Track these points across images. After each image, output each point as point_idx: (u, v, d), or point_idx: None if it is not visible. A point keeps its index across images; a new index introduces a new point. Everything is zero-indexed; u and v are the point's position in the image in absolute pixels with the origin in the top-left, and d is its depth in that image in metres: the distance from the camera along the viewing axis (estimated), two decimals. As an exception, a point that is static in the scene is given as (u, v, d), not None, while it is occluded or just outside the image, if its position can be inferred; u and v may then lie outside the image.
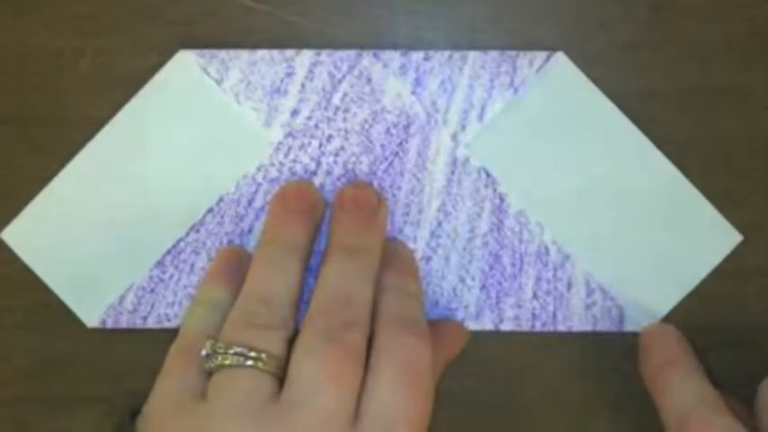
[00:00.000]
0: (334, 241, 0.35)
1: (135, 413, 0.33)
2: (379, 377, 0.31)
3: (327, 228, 0.37)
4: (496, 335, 0.39)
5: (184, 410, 0.31)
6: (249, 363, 0.31)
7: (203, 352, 0.33)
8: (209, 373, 0.32)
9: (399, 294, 0.35)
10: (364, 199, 0.37)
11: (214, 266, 0.37)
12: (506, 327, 0.39)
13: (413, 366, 0.32)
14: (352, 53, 0.39)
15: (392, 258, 0.37)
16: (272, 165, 0.39)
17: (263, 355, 0.32)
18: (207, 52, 0.38)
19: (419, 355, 0.32)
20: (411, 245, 0.39)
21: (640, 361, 0.36)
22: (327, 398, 0.30)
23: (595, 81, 0.38)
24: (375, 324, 0.33)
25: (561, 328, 0.38)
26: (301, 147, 0.39)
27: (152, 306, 0.39)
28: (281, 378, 0.32)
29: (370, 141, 0.39)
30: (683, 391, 0.33)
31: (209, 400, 0.31)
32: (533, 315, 0.39)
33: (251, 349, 0.32)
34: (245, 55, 0.38)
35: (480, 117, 0.39)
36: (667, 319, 0.38)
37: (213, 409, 0.31)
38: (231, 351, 0.32)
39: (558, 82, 0.39)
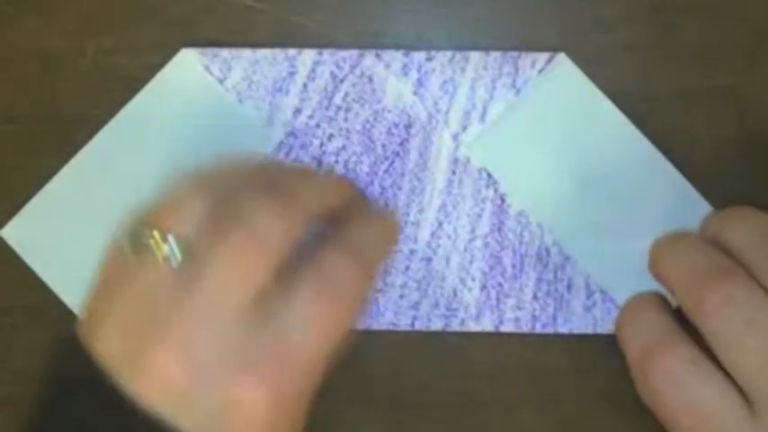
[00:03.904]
0: None
1: None
2: (299, 280, 0.31)
3: None
4: (497, 336, 0.39)
5: (96, 293, 0.32)
6: (158, 246, 0.31)
7: (127, 233, 0.32)
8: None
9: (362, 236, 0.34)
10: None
11: None
12: (507, 328, 0.39)
13: (338, 283, 0.31)
14: (354, 53, 0.39)
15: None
16: (274, 164, 0.39)
17: (174, 242, 0.31)
18: (209, 51, 0.38)
19: (350, 278, 0.31)
20: (411, 245, 0.39)
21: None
22: (222, 284, 0.30)
23: (596, 81, 0.39)
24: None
25: (562, 329, 0.38)
26: (303, 146, 0.39)
27: (152, 305, 0.39)
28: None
29: (372, 141, 0.39)
30: (647, 326, 0.33)
31: (118, 283, 0.31)
32: (533, 317, 0.39)
33: (162, 233, 0.31)
34: (247, 54, 0.38)
35: (482, 117, 0.39)
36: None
37: (115, 293, 0.31)
38: (143, 228, 0.31)
39: (560, 83, 0.39)
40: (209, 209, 0.31)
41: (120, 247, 0.32)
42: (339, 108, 0.39)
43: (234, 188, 0.32)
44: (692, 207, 0.38)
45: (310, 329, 0.30)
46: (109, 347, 0.30)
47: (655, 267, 0.34)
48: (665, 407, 0.32)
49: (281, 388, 0.30)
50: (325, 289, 0.31)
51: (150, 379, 0.29)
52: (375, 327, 0.39)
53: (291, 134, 0.39)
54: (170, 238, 0.31)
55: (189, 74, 0.39)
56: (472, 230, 0.39)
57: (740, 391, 0.31)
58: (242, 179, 0.33)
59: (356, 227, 0.34)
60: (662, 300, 0.34)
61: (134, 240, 0.31)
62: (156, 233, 0.31)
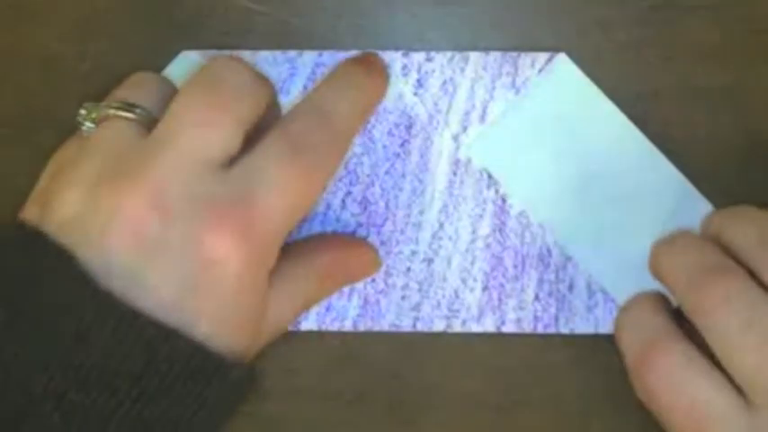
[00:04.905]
0: None
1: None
2: (266, 143, 0.31)
3: None
4: (498, 336, 0.39)
5: (53, 178, 0.32)
6: (121, 113, 0.31)
7: (80, 115, 0.33)
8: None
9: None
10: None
11: None
12: (508, 329, 0.39)
13: (305, 147, 0.31)
14: (354, 54, 0.39)
15: None
16: (274, 166, 0.39)
17: (137, 110, 0.31)
18: (210, 53, 0.39)
19: (318, 142, 0.31)
20: (413, 246, 0.39)
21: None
22: (187, 135, 0.30)
23: (596, 81, 0.39)
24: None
25: (563, 330, 0.38)
26: (303, 148, 0.39)
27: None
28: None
29: (372, 142, 0.39)
30: (643, 326, 0.33)
31: (80, 147, 0.32)
32: (535, 317, 0.38)
33: (123, 103, 0.32)
34: (247, 56, 0.38)
35: (482, 118, 0.39)
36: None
37: (81, 150, 0.31)
38: (103, 104, 0.32)
39: (560, 83, 0.39)
40: (171, 86, 0.33)
41: (76, 136, 0.33)
42: (339, 109, 0.39)
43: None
44: (693, 206, 0.38)
45: (277, 189, 0.30)
46: (72, 207, 0.30)
47: (654, 266, 0.34)
48: (661, 407, 0.32)
49: (248, 243, 0.30)
50: (291, 152, 0.31)
51: (124, 225, 0.29)
52: (377, 328, 0.39)
53: (292, 136, 0.39)
54: (136, 105, 0.32)
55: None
56: (473, 231, 0.39)
57: (737, 389, 0.31)
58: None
59: (328, 90, 0.33)
60: (660, 299, 0.34)
61: (96, 114, 0.32)
62: (119, 103, 0.32)
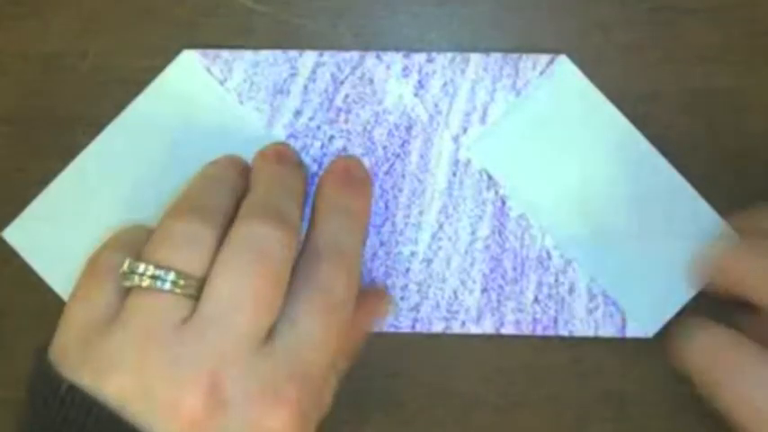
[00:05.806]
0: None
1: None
2: (295, 297, 0.31)
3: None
4: (497, 338, 0.39)
5: (92, 339, 0.30)
6: (166, 287, 0.30)
7: (122, 269, 0.31)
8: (127, 291, 0.31)
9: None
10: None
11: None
12: (507, 331, 0.38)
13: (329, 290, 0.32)
14: (355, 54, 0.39)
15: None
16: (274, 166, 0.39)
17: (181, 279, 0.30)
18: (211, 52, 0.39)
19: (338, 282, 0.32)
20: (412, 247, 0.39)
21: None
22: (244, 316, 0.30)
23: (596, 83, 0.38)
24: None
25: (563, 332, 0.38)
26: (303, 148, 0.39)
27: (153, 307, 0.39)
28: (198, 298, 0.31)
29: (372, 143, 0.39)
30: (701, 338, 0.34)
31: (120, 324, 0.30)
32: (534, 319, 0.38)
33: (169, 270, 0.30)
34: (248, 55, 0.39)
35: (482, 119, 0.39)
36: (669, 323, 0.38)
37: (123, 336, 0.30)
38: (149, 273, 0.30)
39: (561, 85, 0.39)
40: (214, 241, 0.31)
41: (114, 288, 0.31)
42: (340, 110, 0.39)
43: (226, 214, 0.32)
44: (692, 209, 0.38)
45: (318, 343, 0.31)
46: (123, 389, 0.29)
47: (730, 276, 0.34)
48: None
49: (302, 408, 0.30)
50: (320, 299, 0.31)
51: (178, 418, 0.29)
52: (376, 329, 0.39)
53: (292, 136, 0.39)
54: (180, 275, 0.30)
55: (190, 75, 0.39)
56: (473, 232, 0.39)
57: None
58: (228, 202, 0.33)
59: (328, 223, 0.34)
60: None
61: (129, 283, 0.31)
62: (171, 273, 0.30)
